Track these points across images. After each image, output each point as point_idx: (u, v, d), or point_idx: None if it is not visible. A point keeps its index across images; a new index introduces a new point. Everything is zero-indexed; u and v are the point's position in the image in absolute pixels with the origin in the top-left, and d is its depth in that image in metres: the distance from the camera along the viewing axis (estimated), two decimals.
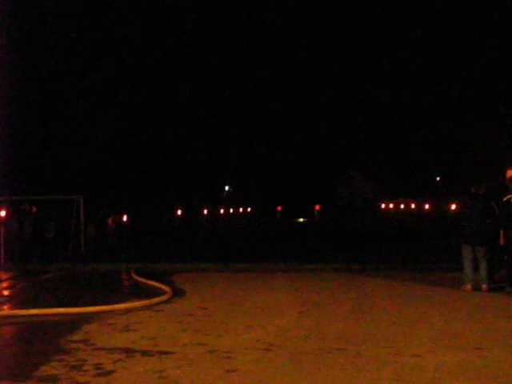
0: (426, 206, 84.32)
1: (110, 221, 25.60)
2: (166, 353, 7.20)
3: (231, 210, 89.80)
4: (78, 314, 9.95)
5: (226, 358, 6.92)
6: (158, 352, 7.24)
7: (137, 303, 10.79)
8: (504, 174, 14.09)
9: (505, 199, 12.13)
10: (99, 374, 6.30)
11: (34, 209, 21.87)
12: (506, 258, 12.52)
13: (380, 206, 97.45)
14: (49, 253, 20.30)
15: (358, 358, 6.89)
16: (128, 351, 7.28)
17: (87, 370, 6.45)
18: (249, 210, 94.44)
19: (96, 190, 41.38)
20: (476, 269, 12.31)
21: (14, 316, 9.84)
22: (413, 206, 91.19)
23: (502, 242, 12.18)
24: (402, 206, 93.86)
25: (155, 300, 11.07)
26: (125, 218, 28.01)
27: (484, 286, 12.05)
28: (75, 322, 9.18)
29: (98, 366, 6.60)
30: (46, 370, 6.49)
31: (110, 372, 6.39)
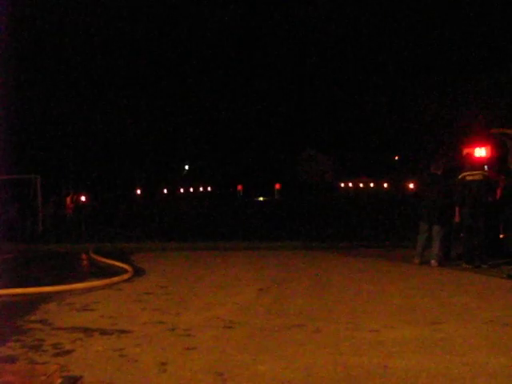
0: (385, 185, 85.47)
1: (68, 200, 25.32)
2: (126, 331, 7.18)
3: (191, 189, 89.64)
4: (36, 294, 9.85)
5: (186, 336, 6.93)
6: (117, 331, 7.22)
7: (97, 282, 10.72)
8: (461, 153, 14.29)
9: (460, 177, 12.33)
10: (58, 354, 6.26)
11: None
12: (461, 235, 12.77)
13: (339, 184, 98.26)
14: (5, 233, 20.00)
15: (317, 334, 6.96)
16: (87, 330, 7.24)
17: (46, 350, 6.40)
18: (209, 189, 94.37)
19: (54, 170, 40.82)
20: (430, 246, 12.61)
21: None
22: (372, 184, 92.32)
23: (457, 219, 12.41)
24: (361, 185, 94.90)
25: (116, 279, 10.99)
26: (83, 197, 27.73)
27: (433, 262, 12.38)
28: (33, 303, 9.09)
29: (56, 346, 6.55)
30: (3, 350, 6.42)
31: (68, 351, 6.35)
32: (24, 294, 9.81)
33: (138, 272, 12.11)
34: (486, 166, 12.83)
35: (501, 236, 12.70)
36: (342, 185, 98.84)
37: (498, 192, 12.39)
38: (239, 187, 75.66)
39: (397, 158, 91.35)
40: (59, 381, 5.35)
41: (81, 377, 5.55)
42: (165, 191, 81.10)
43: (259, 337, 6.88)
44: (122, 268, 12.48)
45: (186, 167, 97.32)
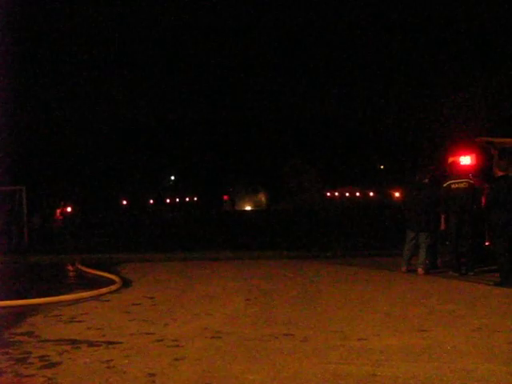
0: (371, 194, 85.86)
1: (57, 212, 25.22)
2: (113, 343, 7.13)
3: (177, 200, 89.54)
4: (23, 306, 9.76)
5: (174, 347, 6.90)
6: (104, 342, 7.17)
7: (84, 294, 10.63)
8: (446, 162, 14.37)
9: (445, 185, 12.43)
10: (45, 366, 6.20)
11: None
12: (447, 243, 12.85)
13: (325, 194, 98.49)
14: None
15: (305, 343, 6.96)
16: (74, 342, 7.18)
17: (32, 363, 6.34)
18: (195, 199, 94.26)
19: (41, 182, 40.60)
20: (417, 253, 12.68)
21: None
22: (358, 193, 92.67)
23: (443, 227, 12.50)
24: (348, 194, 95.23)
25: (103, 290, 10.91)
26: (69, 209, 27.63)
27: (420, 270, 12.44)
28: (20, 315, 9.01)
29: (43, 359, 6.49)
30: None
31: (55, 364, 6.30)
32: (10, 306, 9.72)
33: (126, 283, 12.05)
34: (470, 174, 12.92)
35: (486, 243, 12.79)
36: (328, 194, 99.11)
37: (483, 200, 12.47)
38: (225, 197, 75.74)
39: (382, 167, 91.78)
40: None
41: None
42: (151, 201, 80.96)
43: (247, 346, 6.87)
44: (110, 279, 12.42)
45: (172, 177, 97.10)
